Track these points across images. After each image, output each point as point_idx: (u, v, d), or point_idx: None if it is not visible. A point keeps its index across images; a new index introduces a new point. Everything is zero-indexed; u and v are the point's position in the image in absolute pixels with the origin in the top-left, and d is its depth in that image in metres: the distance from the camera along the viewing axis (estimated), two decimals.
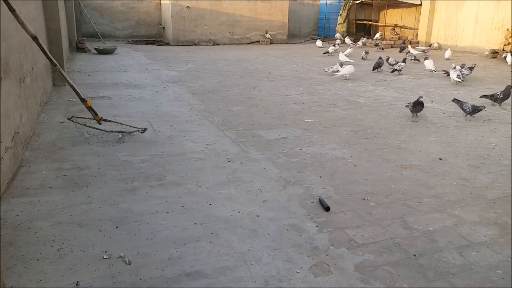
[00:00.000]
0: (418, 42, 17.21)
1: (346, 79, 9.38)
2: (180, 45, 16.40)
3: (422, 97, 6.08)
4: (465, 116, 6.31)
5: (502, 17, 14.10)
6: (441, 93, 8.19)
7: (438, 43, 16.01)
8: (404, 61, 10.45)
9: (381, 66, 10.58)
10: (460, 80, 8.87)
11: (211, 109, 6.59)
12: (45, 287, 2.40)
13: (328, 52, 13.68)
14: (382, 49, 15.44)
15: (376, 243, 2.93)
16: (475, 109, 6.12)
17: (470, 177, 4.13)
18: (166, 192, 3.64)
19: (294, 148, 4.87)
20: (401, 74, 10.22)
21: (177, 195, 3.59)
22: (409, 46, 13.93)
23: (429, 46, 14.94)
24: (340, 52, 12.52)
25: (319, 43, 16.41)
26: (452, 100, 6.58)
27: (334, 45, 14.19)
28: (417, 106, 6.08)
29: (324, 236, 3.00)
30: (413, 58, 12.24)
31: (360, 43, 16.78)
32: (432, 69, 10.32)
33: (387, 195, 3.70)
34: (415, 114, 6.18)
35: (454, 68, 9.37)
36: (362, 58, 12.83)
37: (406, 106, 6.41)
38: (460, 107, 6.34)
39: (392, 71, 10.31)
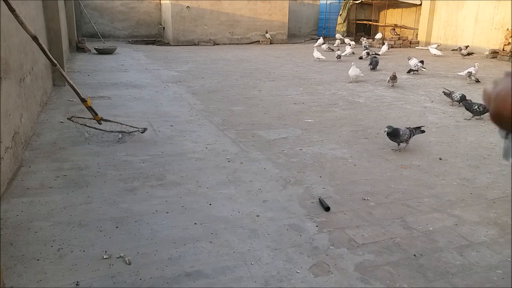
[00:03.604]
0: (418, 42, 17.20)
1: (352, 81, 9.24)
2: (180, 45, 16.39)
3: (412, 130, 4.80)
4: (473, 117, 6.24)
5: (502, 17, 14.09)
6: (441, 93, 8.18)
7: (436, 44, 15.97)
8: (422, 62, 10.51)
9: (378, 64, 10.82)
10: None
11: (211, 109, 6.59)
12: (45, 287, 2.40)
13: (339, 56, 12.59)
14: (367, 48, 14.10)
15: (376, 243, 2.93)
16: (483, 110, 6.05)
17: (470, 177, 4.13)
18: (166, 192, 3.64)
19: (294, 148, 4.87)
20: (417, 73, 10.28)
21: (177, 195, 3.59)
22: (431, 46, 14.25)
23: (466, 46, 14.27)
24: (315, 49, 12.69)
25: (320, 41, 16.25)
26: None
27: (366, 48, 13.39)
28: (391, 136, 4.72)
29: (324, 236, 3.00)
30: (373, 53, 12.75)
31: (367, 43, 15.26)
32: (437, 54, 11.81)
33: (387, 195, 3.70)
34: (404, 143, 4.81)
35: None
36: (361, 57, 12.81)
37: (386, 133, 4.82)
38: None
39: (408, 72, 10.27)
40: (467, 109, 6.30)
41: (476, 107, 6.15)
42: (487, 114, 6.00)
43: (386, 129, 4.74)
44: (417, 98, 7.70)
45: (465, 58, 13.30)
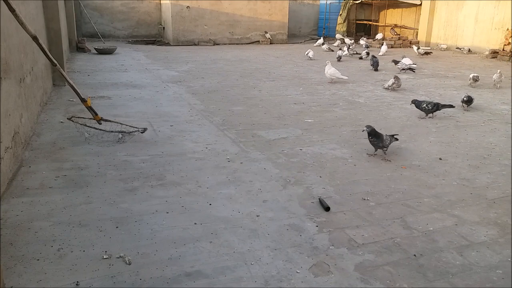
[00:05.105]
0: (418, 42, 17.20)
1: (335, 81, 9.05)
2: (180, 45, 16.39)
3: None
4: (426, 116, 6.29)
5: (502, 17, 14.09)
6: (441, 93, 8.19)
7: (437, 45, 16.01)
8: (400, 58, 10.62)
9: (378, 64, 10.86)
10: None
11: (211, 109, 6.59)
12: (45, 287, 2.40)
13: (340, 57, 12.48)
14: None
15: (376, 243, 2.93)
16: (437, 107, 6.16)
17: (470, 177, 4.14)
18: (166, 192, 3.64)
19: (294, 148, 4.87)
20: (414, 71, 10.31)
21: (177, 195, 3.59)
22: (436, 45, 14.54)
23: (468, 50, 14.96)
24: (310, 50, 12.75)
25: (320, 41, 16.23)
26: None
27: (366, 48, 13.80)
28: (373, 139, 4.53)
29: (324, 236, 3.00)
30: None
31: (366, 43, 15.42)
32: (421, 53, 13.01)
33: (387, 195, 3.70)
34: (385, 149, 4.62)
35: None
36: (361, 58, 12.81)
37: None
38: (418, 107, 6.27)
39: (406, 69, 10.30)
40: (416, 107, 6.33)
41: (424, 105, 6.20)
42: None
43: (365, 128, 4.48)
44: (417, 98, 7.69)
45: (423, 57, 13.64)
